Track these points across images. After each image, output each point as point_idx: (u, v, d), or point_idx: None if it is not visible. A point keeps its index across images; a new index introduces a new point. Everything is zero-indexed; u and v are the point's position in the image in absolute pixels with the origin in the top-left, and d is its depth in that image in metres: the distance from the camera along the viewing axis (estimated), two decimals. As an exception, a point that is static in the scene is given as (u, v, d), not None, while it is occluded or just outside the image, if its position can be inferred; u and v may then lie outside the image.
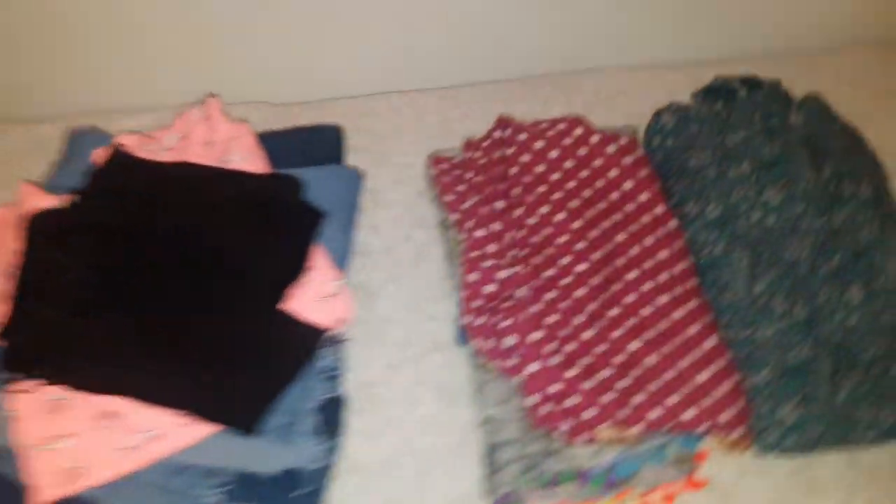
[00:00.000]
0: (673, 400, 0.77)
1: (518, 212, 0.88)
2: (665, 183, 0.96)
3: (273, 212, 0.77)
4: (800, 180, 0.91)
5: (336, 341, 0.80)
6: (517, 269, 0.84)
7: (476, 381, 0.81)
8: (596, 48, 1.18)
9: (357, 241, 0.93)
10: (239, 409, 0.71)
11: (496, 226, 0.88)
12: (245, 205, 0.77)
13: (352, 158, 1.00)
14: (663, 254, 0.87)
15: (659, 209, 0.90)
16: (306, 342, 0.75)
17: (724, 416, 0.76)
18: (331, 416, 0.78)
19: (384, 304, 0.89)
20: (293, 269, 0.77)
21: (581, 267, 0.85)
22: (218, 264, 0.74)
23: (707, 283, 0.89)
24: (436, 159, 0.96)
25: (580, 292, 0.84)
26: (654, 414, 0.76)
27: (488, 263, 0.85)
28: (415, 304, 0.89)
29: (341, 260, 0.82)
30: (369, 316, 0.89)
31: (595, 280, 0.85)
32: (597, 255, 0.86)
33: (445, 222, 0.92)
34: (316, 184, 0.82)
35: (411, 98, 1.10)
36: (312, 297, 0.76)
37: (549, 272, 0.85)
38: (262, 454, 0.72)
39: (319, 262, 0.78)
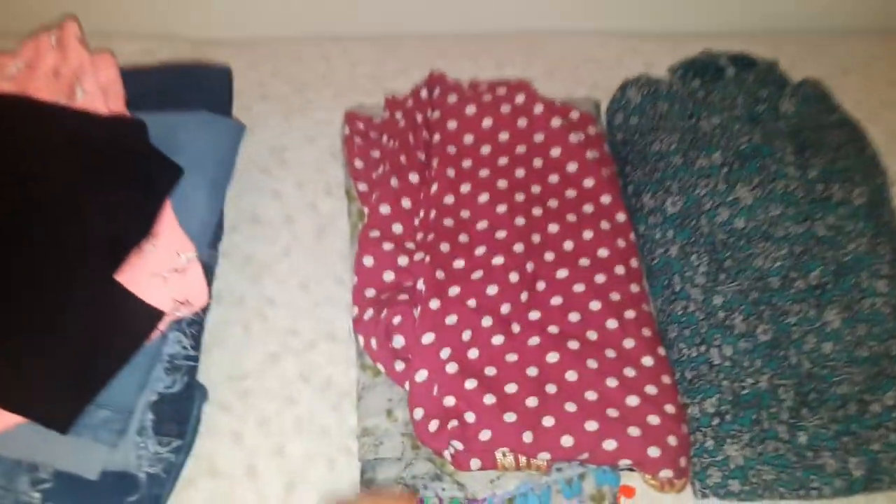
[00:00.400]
0: (591, 426, 0.63)
1: (433, 188, 0.74)
2: (622, 168, 0.82)
3: (116, 162, 0.63)
4: (780, 178, 0.77)
5: (187, 325, 0.66)
6: (421, 256, 0.70)
7: (359, 385, 0.68)
8: (567, 6, 1.01)
9: (251, 206, 0.79)
10: (49, 401, 0.57)
11: (405, 202, 0.74)
12: (82, 151, 0.62)
13: (262, 108, 0.85)
14: (603, 251, 0.72)
15: (606, 198, 0.75)
16: (138, 325, 0.60)
17: (655, 451, 0.63)
18: (177, 413, 0.64)
19: (271, 283, 0.75)
20: (133, 232, 0.62)
21: (498, 260, 0.71)
22: (40, 220, 0.59)
23: (656, 289, 0.75)
24: (351, 116, 0.81)
25: (493, 290, 0.69)
26: (566, 441, 0.62)
27: (389, 246, 0.71)
28: (308, 285, 0.75)
29: (202, 229, 0.67)
30: (252, 295, 0.75)
31: (514, 276, 0.70)
32: (520, 248, 0.72)
33: (351, 192, 0.77)
34: (182, 133, 0.67)
35: (345, 46, 0.94)
36: (153, 271, 0.62)
37: (459, 263, 0.71)
38: (78, 454, 0.59)
39: (168, 229, 0.64)
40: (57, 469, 0.60)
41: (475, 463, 0.62)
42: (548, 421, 0.63)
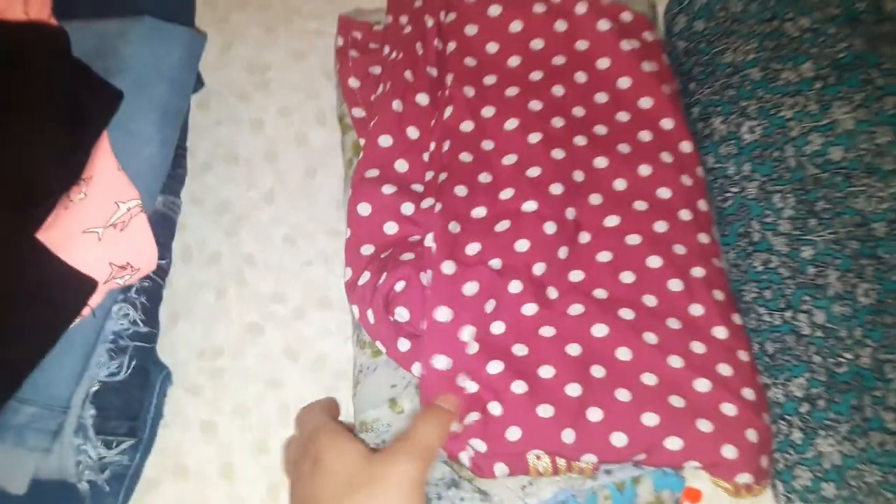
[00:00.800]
0: (650, 420, 0.49)
1: (447, 112, 0.58)
2: (685, 85, 0.66)
3: (32, 85, 0.48)
4: (888, 94, 0.61)
5: (136, 293, 0.53)
6: (431, 202, 0.55)
7: (356, 367, 0.54)
8: None
9: (226, 140, 0.65)
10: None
11: (411, 132, 0.58)
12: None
13: (241, 18, 0.69)
14: (664, 192, 0.56)
15: (667, 123, 0.59)
16: (66, 298, 0.47)
17: (731, 450, 0.49)
18: (127, 406, 0.51)
19: (251, 237, 0.62)
20: (57, 177, 0.48)
21: (530, 205, 0.55)
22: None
23: (729, 238, 0.61)
24: (345, 23, 0.64)
25: (523, 245, 0.53)
26: (618, 440, 0.48)
27: (390, 190, 0.56)
28: (296, 238, 0.62)
29: (152, 170, 0.52)
30: (227, 252, 0.61)
31: (550, 227, 0.54)
32: (557, 189, 0.56)
33: (345, 120, 0.62)
34: (122, 47, 0.51)
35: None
36: (84, 227, 0.48)
37: (480, 211, 0.55)
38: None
39: (104, 172, 0.49)
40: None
41: (500, 469, 0.48)
42: (594, 414, 0.49)
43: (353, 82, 0.61)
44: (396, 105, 0.58)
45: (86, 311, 0.48)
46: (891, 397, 0.55)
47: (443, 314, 0.50)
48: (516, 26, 0.61)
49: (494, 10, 0.61)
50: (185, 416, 0.56)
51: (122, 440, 0.51)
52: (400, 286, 0.51)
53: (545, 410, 0.49)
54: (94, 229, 0.48)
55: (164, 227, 0.57)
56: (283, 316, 0.59)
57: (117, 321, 0.52)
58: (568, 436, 0.48)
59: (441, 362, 0.50)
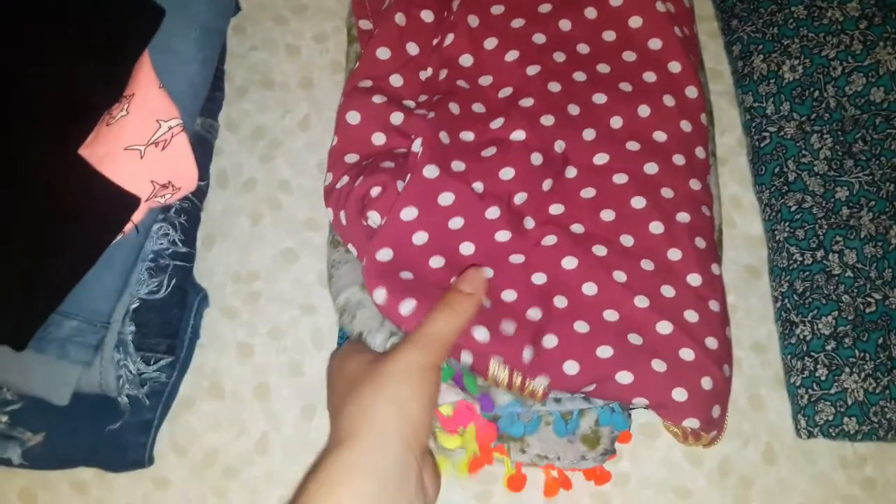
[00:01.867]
0: (605, 352, 0.49)
1: (448, 40, 0.57)
2: (727, 22, 0.65)
3: (77, 2, 0.48)
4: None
5: (175, 214, 0.53)
6: (424, 112, 0.55)
7: (329, 263, 0.54)
8: None
9: (262, 65, 0.64)
10: (1, 311, 0.45)
11: (411, 47, 0.57)
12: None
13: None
14: (660, 135, 0.55)
15: (675, 66, 0.57)
16: (109, 213, 0.47)
17: (681, 393, 0.48)
18: (166, 323, 0.52)
19: (286, 164, 0.61)
20: (99, 93, 0.48)
21: (519, 134, 0.54)
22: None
23: (764, 177, 0.60)
24: None
25: (508, 173, 0.53)
26: (570, 367, 0.48)
27: (380, 100, 0.55)
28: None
29: (192, 90, 0.52)
30: (263, 178, 0.61)
31: (536, 157, 0.54)
32: (549, 120, 0.55)
33: (352, 31, 0.61)
34: None
35: None
36: (126, 144, 0.48)
37: (468, 135, 0.54)
38: (43, 374, 0.48)
39: (146, 90, 0.49)
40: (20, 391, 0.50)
41: (466, 357, 0.48)
42: (550, 340, 0.49)
43: None
44: (399, 18, 0.57)
45: (128, 228, 0.48)
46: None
47: (408, 213, 0.50)
48: None
49: None
50: (221, 337, 0.57)
51: (160, 357, 0.52)
52: (375, 191, 0.51)
53: (508, 326, 0.49)
54: (135, 146, 0.48)
55: (202, 150, 0.57)
56: (318, 243, 0.59)
57: (157, 240, 0.52)
58: (527, 353, 0.48)
59: (385, 255, 0.49)
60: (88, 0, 0.49)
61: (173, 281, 0.52)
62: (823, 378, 0.55)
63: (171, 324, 0.53)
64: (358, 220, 0.51)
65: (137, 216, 0.48)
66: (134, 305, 0.51)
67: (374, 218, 0.51)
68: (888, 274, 0.57)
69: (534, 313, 0.49)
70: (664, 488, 0.54)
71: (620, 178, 0.55)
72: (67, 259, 0.47)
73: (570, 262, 0.51)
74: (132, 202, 0.48)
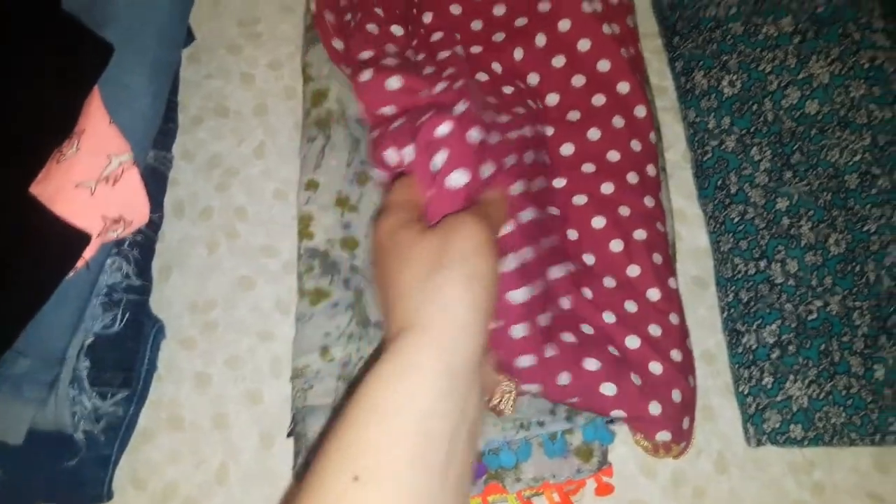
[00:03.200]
0: (592, 365, 0.50)
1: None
2: (669, 39, 0.67)
3: (23, 39, 0.48)
4: (865, 48, 0.62)
5: (129, 247, 0.54)
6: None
7: (298, 311, 0.55)
8: None
9: (216, 93, 0.65)
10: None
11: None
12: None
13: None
14: (613, 154, 0.58)
15: (624, 86, 0.59)
16: (60, 251, 0.48)
17: (656, 407, 0.51)
18: (121, 357, 0.53)
19: (241, 191, 0.62)
20: (49, 131, 0.48)
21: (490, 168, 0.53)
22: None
23: (707, 191, 0.62)
24: None
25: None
26: (563, 379, 0.50)
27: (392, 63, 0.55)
28: (287, 192, 0.62)
29: (143, 124, 0.52)
30: (219, 206, 0.62)
31: (517, 187, 0.54)
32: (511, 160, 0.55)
33: (308, 70, 0.62)
34: (110, 1, 0.52)
35: None
36: (77, 180, 0.48)
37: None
38: (-4, 414, 0.48)
39: (96, 126, 0.49)
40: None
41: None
42: (550, 350, 0.50)
43: (338, 44, 0.60)
44: (371, 28, 0.58)
45: (80, 264, 0.49)
46: (857, 343, 0.57)
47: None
48: None
49: None
50: (178, 368, 0.57)
51: (116, 391, 0.52)
52: (443, 130, 0.47)
53: (519, 329, 0.49)
54: (86, 183, 0.49)
55: (155, 182, 0.57)
56: (275, 270, 0.60)
57: (111, 274, 0.52)
58: (527, 360, 0.49)
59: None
60: (37, 38, 0.49)
61: (127, 314, 0.52)
62: (769, 386, 0.57)
63: (127, 357, 0.53)
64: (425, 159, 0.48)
65: (89, 252, 0.49)
66: (88, 341, 0.51)
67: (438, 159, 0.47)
68: (828, 281, 0.59)
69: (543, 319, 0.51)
70: (620, 500, 0.56)
71: (580, 200, 0.57)
72: (20, 297, 0.47)
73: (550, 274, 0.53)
74: (83, 239, 0.48)
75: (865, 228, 0.60)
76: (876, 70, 0.62)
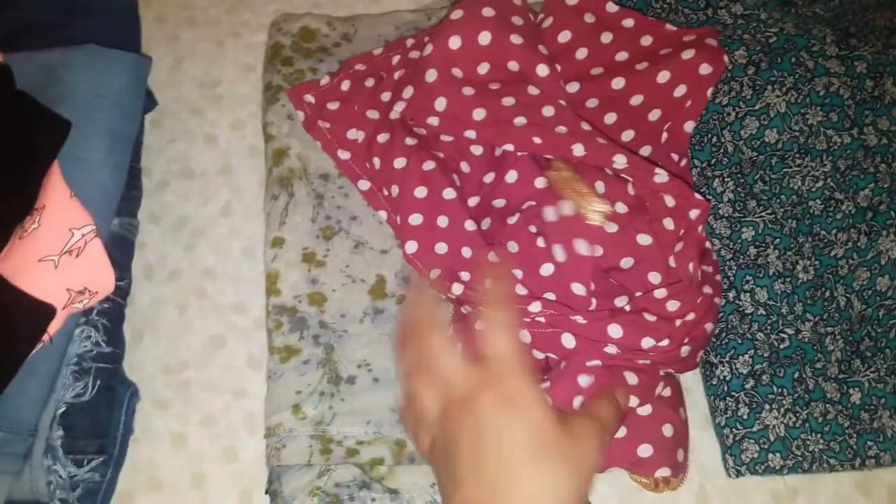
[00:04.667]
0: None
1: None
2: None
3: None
4: (819, 75, 0.63)
5: (97, 315, 0.54)
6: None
7: (268, 369, 0.56)
8: None
9: (181, 156, 0.66)
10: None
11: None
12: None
13: (190, 35, 0.70)
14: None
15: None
16: (26, 326, 0.48)
17: (646, 450, 0.51)
18: (94, 424, 0.53)
19: (208, 250, 0.63)
20: (10, 208, 0.49)
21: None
22: None
23: (673, 225, 0.62)
24: (295, 95, 0.63)
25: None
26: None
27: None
28: (254, 249, 0.63)
29: (104, 195, 0.53)
30: (187, 267, 0.62)
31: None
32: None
33: (268, 129, 0.63)
34: (65, 75, 0.52)
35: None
36: (39, 255, 0.49)
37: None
38: (-31, 491, 0.48)
39: (57, 200, 0.50)
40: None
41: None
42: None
43: (344, 154, 0.61)
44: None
45: (46, 338, 0.49)
46: (831, 368, 0.57)
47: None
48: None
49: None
50: (154, 429, 0.58)
51: (92, 458, 0.52)
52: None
53: None
54: (49, 257, 0.49)
55: (122, 249, 0.58)
56: (245, 326, 0.60)
57: (80, 344, 0.53)
58: None
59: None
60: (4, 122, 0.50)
61: (98, 382, 0.53)
62: (745, 416, 0.57)
63: (101, 424, 0.53)
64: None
65: (54, 325, 0.49)
66: (60, 410, 0.51)
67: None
68: (798, 308, 0.59)
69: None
70: (601, 538, 0.55)
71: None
72: (-8, 372, 0.48)
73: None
74: (49, 312, 0.49)
75: (833, 253, 0.60)
76: (832, 97, 0.63)
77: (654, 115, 0.60)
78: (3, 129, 0.50)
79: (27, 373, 0.50)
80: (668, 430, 0.52)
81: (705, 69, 0.59)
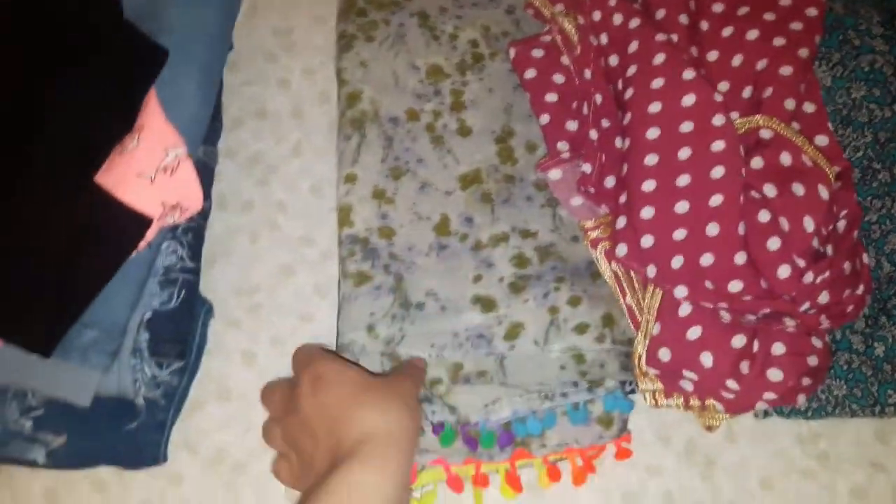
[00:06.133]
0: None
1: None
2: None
3: (86, 44, 0.53)
4: (864, 53, 0.66)
5: (182, 233, 0.59)
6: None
7: (342, 292, 0.60)
8: None
9: (256, 98, 0.70)
10: (28, 322, 0.51)
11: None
12: (44, 31, 0.53)
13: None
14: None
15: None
16: (124, 233, 0.53)
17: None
18: (177, 332, 0.57)
19: (281, 187, 0.67)
20: (112, 127, 0.53)
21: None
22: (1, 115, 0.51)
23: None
24: (520, 56, 0.65)
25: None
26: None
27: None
28: (321, 187, 0.67)
29: (194, 122, 0.57)
30: (260, 200, 0.67)
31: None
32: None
33: (343, 74, 0.66)
34: (164, 9, 0.56)
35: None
36: (137, 171, 0.53)
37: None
38: (67, 379, 0.53)
39: (153, 123, 0.54)
40: (44, 395, 0.55)
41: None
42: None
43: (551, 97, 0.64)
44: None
45: (142, 245, 0.54)
46: (858, 323, 0.61)
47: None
48: None
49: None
50: (226, 346, 0.62)
51: (171, 362, 0.57)
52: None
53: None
54: (146, 173, 0.54)
55: (205, 174, 0.61)
56: (313, 258, 0.65)
57: (167, 257, 0.57)
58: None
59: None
60: (103, 41, 0.54)
61: (182, 293, 0.57)
62: (776, 362, 0.60)
63: (181, 332, 0.58)
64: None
65: (150, 235, 0.54)
66: (147, 315, 0.56)
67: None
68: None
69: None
70: (637, 465, 0.59)
71: None
72: (88, 275, 0.53)
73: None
74: (145, 222, 0.53)
75: (867, 218, 0.64)
76: (876, 73, 0.66)
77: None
78: (110, 54, 0.55)
79: (120, 279, 0.54)
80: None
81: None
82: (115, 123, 0.55)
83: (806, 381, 0.54)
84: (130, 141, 0.54)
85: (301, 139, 0.69)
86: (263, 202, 0.67)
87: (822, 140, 0.61)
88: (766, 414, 0.60)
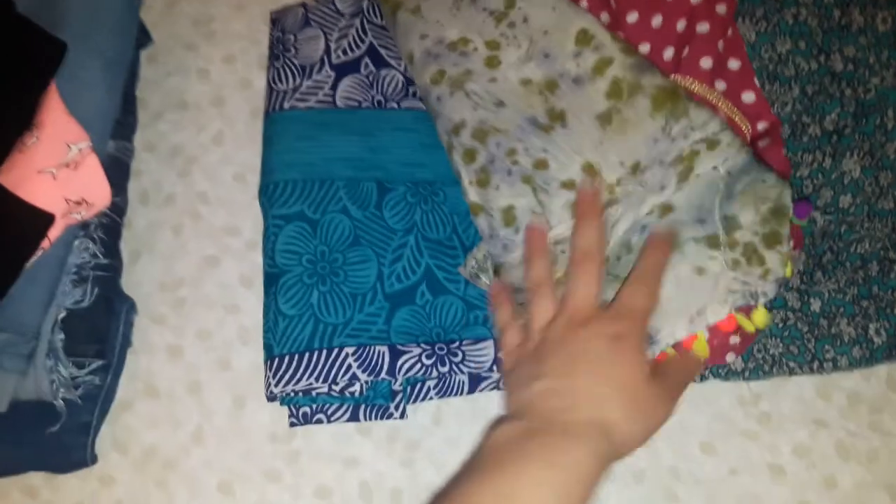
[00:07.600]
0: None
1: None
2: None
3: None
4: (787, 6, 0.65)
5: (95, 229, 0.57)
6: None
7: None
8: None
9: (175, 89, 0.69)
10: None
11: None
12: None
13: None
14: None
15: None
16: (26, 231, 0.51)
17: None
18: (93, 330, 0.56)
19: (203, 177, 0.66)
20: (10, 124, 0.52)
21: None
22: None
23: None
24: None
25: None
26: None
27: None
28: (245, 175, 0.66)
29: (99, 115, 0.56)
30: (182, 192, 0.65)
31: None
32: None
33: None
34: (57, 0, 0.56)
35: None
36: (38, 167, 0.52)
37: None
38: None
39: (54, 117, 0.53)
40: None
41: None
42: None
43: None
44: None
45: (45, 244, 0.52)
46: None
47: None
48: None
49: None
50: (151, 342, 0.61)
51: (91, 361, 0.56)
52: None
53: None
54: (48, 169, 0.52)
55: (117, 170, 0.61)
56: (238, 247, 0.64)
57: (79, 254, 0.56)
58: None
59: None
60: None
61: (96, 290, 0.56)
62: (711, 323, 0.59)
63: (99, 329, 0.56)
64: None
65: (54, 232, 0.52)
66: (61, 315, 0.54)
67: None
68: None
69: None
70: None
71: None
72: (-5, 276, 0.51)
73: None
74: (47, 219, 0.52)
75: (798, 174, 0.63)
76: (800, 26, 0.65)
77: None
78: (4, 50, 0.53)
79: (29, 279, 0.53)
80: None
81: None
82: (14, 121, 0.53)
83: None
84: (30, 138, 0.53)
85: (222, 128, 0.68)
86: (185, 194, 0.65)
87: (748, 97, 0.60)
88: (702, 378, 0.59)
